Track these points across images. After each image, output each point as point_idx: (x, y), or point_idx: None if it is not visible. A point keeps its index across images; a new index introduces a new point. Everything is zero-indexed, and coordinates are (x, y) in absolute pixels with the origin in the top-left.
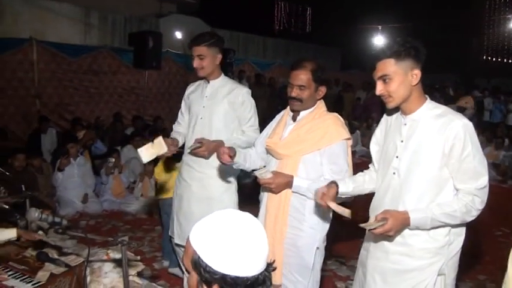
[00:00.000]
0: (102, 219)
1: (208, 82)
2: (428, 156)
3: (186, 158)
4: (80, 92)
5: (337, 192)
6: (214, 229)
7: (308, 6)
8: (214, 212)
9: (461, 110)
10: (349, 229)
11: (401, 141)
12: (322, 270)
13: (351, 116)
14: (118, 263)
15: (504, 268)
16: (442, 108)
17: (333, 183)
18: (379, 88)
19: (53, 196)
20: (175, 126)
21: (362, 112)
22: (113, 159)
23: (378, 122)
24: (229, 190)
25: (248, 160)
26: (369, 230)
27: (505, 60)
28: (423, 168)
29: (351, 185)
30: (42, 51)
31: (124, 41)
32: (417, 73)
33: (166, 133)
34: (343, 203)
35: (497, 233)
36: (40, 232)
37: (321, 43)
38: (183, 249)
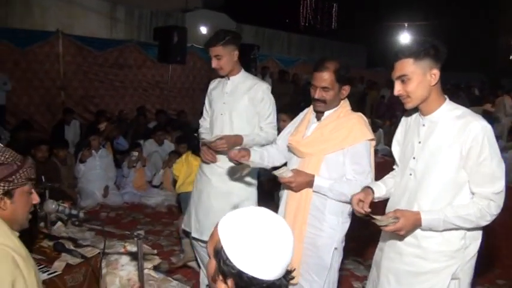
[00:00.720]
0: (122, 212)
1: (229, 79)
2: (446, 158)
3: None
4: (105, 85)
5: (372, 198)
6: (244, 225)
7: (334, 2)
8: (233, 207)
9: (486, 114)
10: (367, 229)
11: (419, 142)
12: (340, 269)
13: (374, 114)
14: (135, 256)
15: None
16: (462, 110)
17: (369, 189)
18: (397, 88)
19: (74, 187)
20: (201, 121)
21: (386, 110)
22: (136, 153)
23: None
24: (249, 186)
25: (266, 158)
26: (380, 226)
27: None
28: (440, 170)
29: (384, 189)
30: (69, 44)
31: (150, 35)
32: (436, 73)
33: (190, 128)
34: (371, 205)
35: None
36: (59, 223)
37: (347, 40)
38: (201, 243)
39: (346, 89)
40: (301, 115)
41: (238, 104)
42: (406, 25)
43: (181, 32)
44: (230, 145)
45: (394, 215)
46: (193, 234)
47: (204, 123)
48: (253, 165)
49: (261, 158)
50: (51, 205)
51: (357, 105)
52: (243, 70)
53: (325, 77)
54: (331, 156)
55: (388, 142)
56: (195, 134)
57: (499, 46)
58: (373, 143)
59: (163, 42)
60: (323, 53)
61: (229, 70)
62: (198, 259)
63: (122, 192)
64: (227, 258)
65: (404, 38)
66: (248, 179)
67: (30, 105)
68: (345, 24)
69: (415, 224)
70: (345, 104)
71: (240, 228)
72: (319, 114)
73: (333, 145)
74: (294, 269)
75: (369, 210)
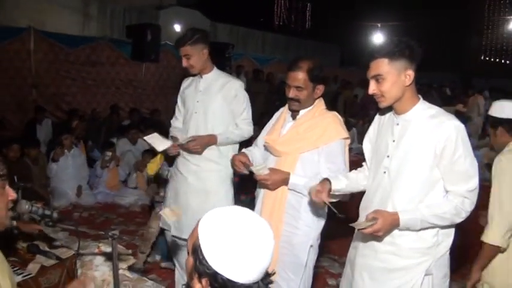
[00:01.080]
0: (95, 212)
1: (201, 77)
2: (419, 157)
3: (182, 152)
4: (77, 82)
5: (330, 189)
6: (224, 226)
7: (308, 2)
8: (210, 205)
9: (458, 114)
10: (342, 227)
11: (393, 141)
12: (314, 267)
13: (348, 113)
14: (109, 256)
15: None
16: (435, 109)
17: (326, 180)
18: (372, 87)
19: (47, 187)
20: (173, 122)
21: (359, 109)
22: (110, 153)
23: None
24: (225, 183)
25: (255, 161)
26: (359, 229)
27: (503, 61)
28: (413, 169)
29: (344, 182)
30: (40, 41)
31: (123, 32)
32: (410, 74)
33: (163, 126)
34: (339, 201)
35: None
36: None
37: (321, 40)
38: (179, 241)
39: (320, 89)
40: (277, 114)
41: (212, 102)
42: (379, 25)
43: (155, 29)
44: (203, 146)
45: (373, 216)
46: (173, 232)
47: (175, 123)
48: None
49: (252, 160)
50: (24, 205)
51: (331, 105)
52: (215, 68)
53: (299, 77)
54: (306, 155)
55: (362, 141)
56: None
57: (470, 47)
58: (348, 141)
59: (136, 40)
60: (297, 52)
61: (200, 69)
62: (174, 258)
63: (95, 192)
64: (203, 257)
65: (378, 38)
66: (225, 176)
67: (0, 104)
68: (319, 23)
69: (393, 224)
70: (320, 103)
71: (219, 229)
72: (294, 113)
73: (308, 144)
74: (274, 273)
75: (328, 200)
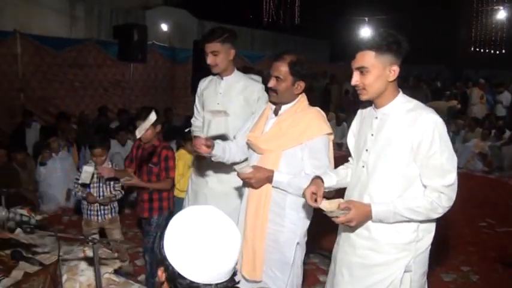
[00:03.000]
0: None
1: (222, 78)
2: (396, 151)
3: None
4: (64, 85)
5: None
6: (190, 222)
7: None
8: (230, 207)
9: (452, 109)
10: (331, 222)
11: (372, 135)
12: (305, 263)
13: (339, 108)
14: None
15: (488, 259)
16: (413, 103)
17: (319, 179)
18: (355, 79)
19: (35, 191)
20: (193, 121)
21: (350, 104)
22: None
23: None
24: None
25: (228, 153)
26: (331, 217)
27: (493, 52)
28: (390, 163)
29: (335, 178)
30: (27, 44)
31: (110, 33)
32: (396, 69)
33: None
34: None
35: (482, 224)
36: (18, 230)
37: (310, 35)
38: None
39: (300, 85)
40: (259, 111)
41: (233, 104)
42: (366, 19)
43: (142, 29)
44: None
45: (346, 206)
46: None
47: (196, 122)
48: (215, 158)
49: (223, 151)
50: (1, 212)
51: (321, 100)
52: (236, 70)
53: (280, 68)
54: (289, 151)
55: None
56: (187, 130)
57: (459, 38)
58: (332, 137)
59: (123, 41)
60: (287, 48)
61: (223, 68)
62: None
63: None
64: (162, 245)
65: (365, 32)
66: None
67: None
68: (307, 19)
69: (365, 215)
70: (302, 99)
71: (184, 224)
72: (276, 109)
73: (290, 140)
74: (236, 271)
75: (326, 204)
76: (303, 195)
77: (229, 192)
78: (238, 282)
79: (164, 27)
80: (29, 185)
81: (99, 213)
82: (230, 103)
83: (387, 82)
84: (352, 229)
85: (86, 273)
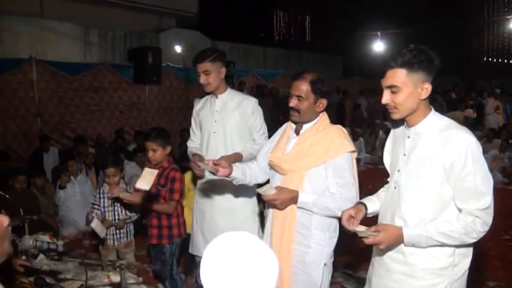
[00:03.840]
0: None
1: (217, 97)
2: (429, 171)
3: (205, 172)
4: (81, 109)
5: (365, 214)
6: (226, 252)
7: (307, 15)
8: (237, 222)
9: (467, 120)
10: (356, 241)
11: (404, 155)
12: (330, 283)
13: (354, 123)
14: (119, 286)
15: None
16: (446, 121)
17: (361, 205)
18: (386, 97)
19: (55, 216)
20: (189, 144)
21: (365, 119)
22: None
23: (381, 128)
24: (250, 200)
25: (248, 175)
26: (360, 237)
27: (506, 61)
28: (422, 183)
29: (378, 203)
30: (42, 71)
31: (124, 57)
32: (428, 87)
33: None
34: None
35: (505, 237)
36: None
37: (321, 51)
38: None
39: (323, 102)
40: (280, 131)
41: (229, 120)
42: (379, 34)
43: (156, 52)
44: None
45: (376, 229)
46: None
47: (191, 144)
48: (236, 181)
49: (243, 174)
50: (28, 241)
51: (335, 116)
52: (229, 88)
53: (301, 86)
54: (313, 171)
55: (371, 150)
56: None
57: (471, 49)
58: (355, 154)
59: (138, 63)
60: (299, 65)
61: (216, 86)
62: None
63: None
64: (199, 276)
65: (378, 46)
66: (250, 193)
67: (6, 135)
68: (318, 35)
69: (396, 239)
70: (324, 117)
71: (221, 255)
72: (298, 128)
73: (314, 160)
74: None
75: (361, 228)
76: (341, 217)
77: (234, 207)
78: None
79: (178, 48)
80: (48, 210)
81: (115, 237)
82: (226, 119)
83: (419, 100)
84: (385, 252)
85: None
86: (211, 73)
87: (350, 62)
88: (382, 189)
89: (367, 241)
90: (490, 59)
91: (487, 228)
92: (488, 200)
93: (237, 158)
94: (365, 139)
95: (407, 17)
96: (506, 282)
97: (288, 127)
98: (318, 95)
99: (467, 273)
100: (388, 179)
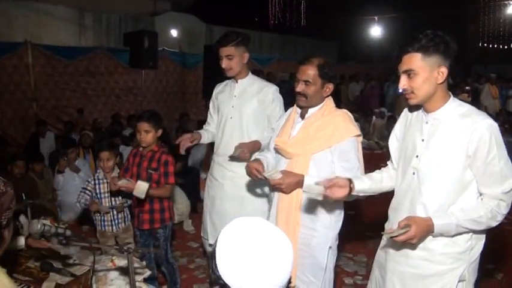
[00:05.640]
0: None
1: (237, 82)
2: (451, 157)
3: (218, 158)
4: (77, 94)
5: (351, 189)
6: (241, 239)
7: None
8: (247, 210)
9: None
10: (354, 225)
11: (422, 140)
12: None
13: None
14: (123, 270)
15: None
16: (466, 107)
17: (347, 180)
18: (403, 83)
19: (54, 201)
20: (205, 126)
21: (360, 104)
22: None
23: (376, 114)
24: (262, 190)
25: (270, 165)
26: (391, 237)
27: (501, 47)
28: (445, 170)
29: (368, 183)
30: (38, 55)
31: (119, 40)
32: (444, 71)
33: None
34: (357, 200)
35: (504, 221)
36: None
37: (317, 36)
38: None
39: (329, 87)
40: (285, 115)
41: (247, 106)
42: (376, 18)
43: (152, 36)
44: (250, 152)
45: (406, 223)
46: (210, 241)
47: (207, 127)
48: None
49: (267, 166)
50: (36, 225)
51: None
52: (250, 73)
53: (309, 71)
54: (319, 155)
55: (366, 135)
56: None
57: (467, 34)
58: (360, 138)
59: (134, 47)
60: (295, 51)
61: (238, 71)
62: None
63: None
64: (216, 267)
65: (376, 31)
66: (260, 182)
67: (2, 119)
68: (314, 20)
69: (427, 230)
70: (329, 102)
71: (235, 241)
72: (303, 112)
73: (319, 144)
74: (292, 283)
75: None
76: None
77: (244, 195)
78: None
79: (173, 33)
80: (47, 195)
81: (113, 222)
82: (244, 105)
83: (436, 85)
84: (413, 246)
85: (116, 283)
86: (234, 58)
87: (346, 47)
88: (377, 171)
89: (399, 239)
90: (485, 45)
91: (508, 210)
92: (510, 182)
93: (255, 146)
94: (361, 124)
95: (404, 1)
96: (503, 265)
97: (293, 111)
98: (325, 79)
99: (480, 255)
100: (388, 162)
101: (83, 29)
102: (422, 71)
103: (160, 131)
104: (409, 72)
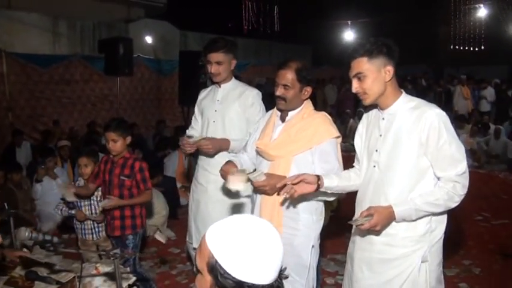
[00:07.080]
0: None
1: (220, 86)
2: (406, 148)
3: (202, 162)
4: (52, 102)
5: (318, 186)
6: (233, 234)
7: (275, 5)
8: (231, 213)
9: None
10: (334, 225)
11: (380, 135)
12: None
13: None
14: (108, 276)
15: (487, 251)
16: (416, 101)
17: (316, 177)
18: (355, 86)
19: (32, 211)
20: (188, 131)
21: (336, 107)
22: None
23: (352, 116)
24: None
25: (244, 166)
26: (356, 225)
27: (473, 49)
28: (402, 160)
29: (336, 181)
30: (12, 63)
31: (94, 48)
32: (390, 69)
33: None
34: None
35: (478, 218)
36: (24, 249)
37: (291, 41)
38: None
39: (308, 90)
40: (265, 117)
41: (229, 110)
42: (349, 23)
43: (127, 43)
44: (215, 148)
45: (368, 213)
46: (195, 245)
47: (190, 132)
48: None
49: (241, 166)
50: (24, 233)
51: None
52: (233, 78)
53: (287, 75)
54: (300, 156)
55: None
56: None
57: (439, 37)
58: (339, 140)
59: (109, 55)
60: (269, 55)
61: (225, 77)
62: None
63: None
64: (224, 271)
65: (349, 35)
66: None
67: None
68: (288, 25)
69: (389, 218)
70: (308, 105)
71: (229, 238)
72: (283, 115)
73: (300, 145)
74: (285, 268)
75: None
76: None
77: (227, 198)
78: (287, 278)
79: (148, 39)
80: (25, 205)
81: (93, 231)
82: (226, 109)
83: (385, 83)
84: (377, 232)
85: None
86: (223, 64)
87: (320, 51)
88: (345, 170)
89: (363, 227)
90: (457, 47)
91: (465, 191)
92: (464, 165)
93: (223, 144)
94: (337, 126)
95: (377, 6)
96: (479, 260)
97: (274, 114)
98: (304, 83)
99: (443, 237)
100: (355, 164)
101: (57, 37)
102: (370, 72)
103: (129, 138)
104: (358, 76)
